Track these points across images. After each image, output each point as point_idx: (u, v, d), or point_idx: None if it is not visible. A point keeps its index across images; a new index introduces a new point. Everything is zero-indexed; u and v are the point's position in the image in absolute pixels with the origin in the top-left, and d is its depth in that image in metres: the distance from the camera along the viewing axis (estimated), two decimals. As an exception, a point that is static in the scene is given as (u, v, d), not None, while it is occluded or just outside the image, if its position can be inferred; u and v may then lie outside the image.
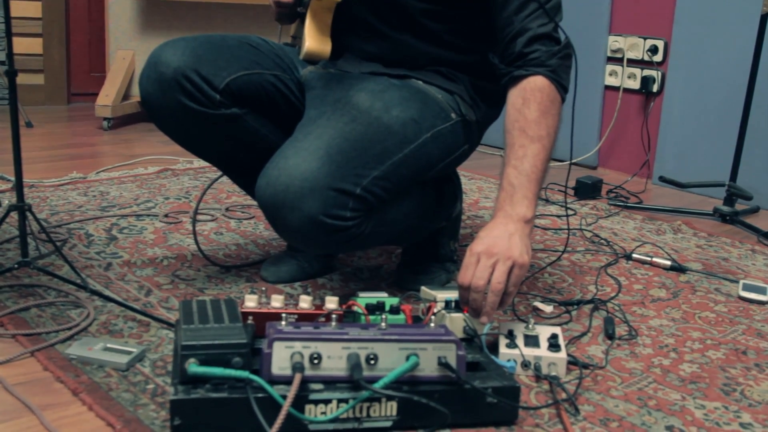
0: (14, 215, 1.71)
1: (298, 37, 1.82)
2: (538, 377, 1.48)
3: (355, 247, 1.73)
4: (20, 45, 4.24)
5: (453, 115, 1.75)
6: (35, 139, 3.54)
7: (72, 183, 2.76)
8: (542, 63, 1.62)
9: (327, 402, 1.22)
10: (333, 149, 1.52)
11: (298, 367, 1.21)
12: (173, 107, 1.70)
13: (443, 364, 1.26)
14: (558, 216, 2.66)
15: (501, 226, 1.51)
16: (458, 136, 1.76)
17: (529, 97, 1.60)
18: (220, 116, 1.73)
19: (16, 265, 1.68)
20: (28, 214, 1.71)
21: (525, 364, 1.48)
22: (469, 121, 1.79)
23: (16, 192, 1.70)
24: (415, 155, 1.64)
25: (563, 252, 2.23)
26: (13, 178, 2.61)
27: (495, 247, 1.48)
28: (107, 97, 3.83)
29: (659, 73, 3.30)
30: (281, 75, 1.80)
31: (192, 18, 4.02)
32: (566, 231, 2.49)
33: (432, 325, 1.36)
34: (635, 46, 3.36)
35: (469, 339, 1.48)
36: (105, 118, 3.82)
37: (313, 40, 1.72)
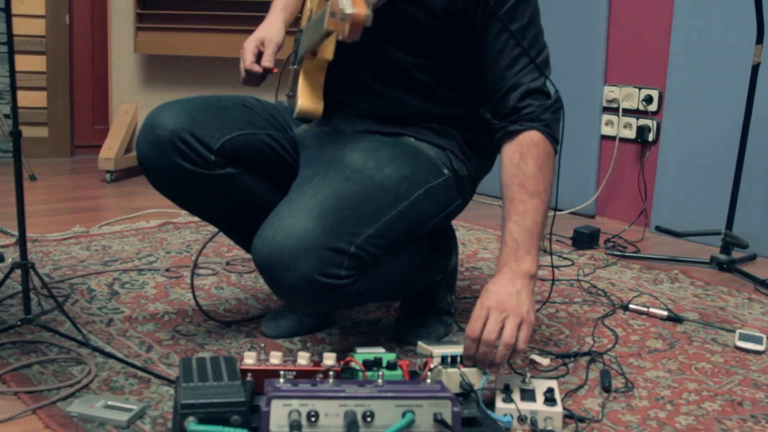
0: (18, 271, 1.73)
1: (292, 95, 1.86)
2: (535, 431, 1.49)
3: (351, 305, 1.76)
4: (25, 98, 4.30)
5: (445, 171, 1.78)
6: (39, 193, 3.58)
7: (75, 237, 2.79)
8: (536, 118, 1.66)
9: (324, 459, 1.24)
10: (327, 208, 1.55)
11: (295, 425, 1.22)
12: (169, 168, 1.74)
13: (439, 420, 1.28)
14: (556, 267, 2.68)
15: (509, 282, 1.56)
16: (451, 191, 1.80)
17: (526, 152, 1.64)
18: (216, 176, 1.76)
19: (18, 322, 1.71)
20: (30, 271, 1.74)
21: (521, 419, 1.49)
22: (461, 176, 1.82)
23: (20, 250, 1.73)
24: (408, 212, 1.67)
25: (545, 303, 2.23)
26: (16, 233, 2.64)
27: (505, 303, 1.52)
28: (110, 149, 3.88)
29: (654, 123, 3.34)
30: (275, 134, 1.84)
31: (194, 72, 4.08)
32: (564, 281, 2.52)
33: (428, 381, 1.38)
34: (630, 96, 3.40)
35: (466, 394, 1.49)
36: (108, 171, 3.86)
37: (306, 99, 1.76)
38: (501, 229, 1.64)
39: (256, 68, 1.80)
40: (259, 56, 1.83)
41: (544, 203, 1.63)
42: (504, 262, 1.60)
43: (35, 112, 4.39)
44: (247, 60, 1.81)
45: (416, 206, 1.69)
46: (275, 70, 1.82)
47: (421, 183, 1.71)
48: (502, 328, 1.50)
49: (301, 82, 1.77)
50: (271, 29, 1.87)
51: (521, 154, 1.65)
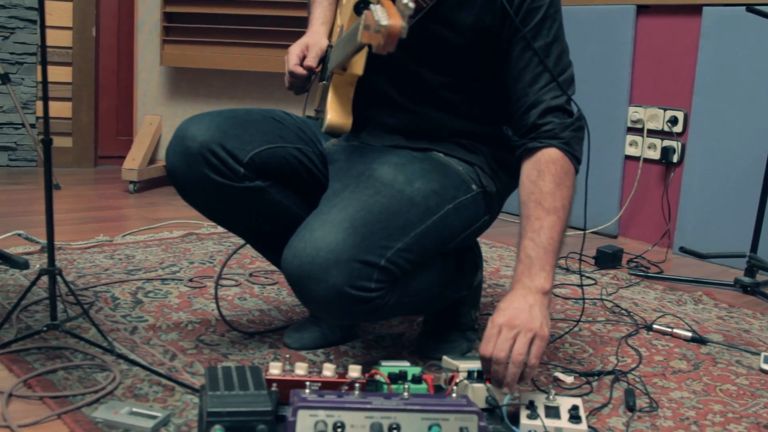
0: (44, 278, 1.74)
1: (321, 111, 1.87)
2: (559, 449, 1.48)
3: (379, 318, 1.76)
4: (51, 108, 4.33)
5: (474, 187, 1.78)
6: (63, 202, 3.60)
7: (98, 246, 2.80)
8: (556, 135, 1.66)
9: (350, 471, 1.23)
10: (358, 221, 1.55)
11: (321, 436, 1.22)
12: (199, 180, 1.75)
13: (465, 434, 1.27)
14: (578, 285, 2.67)
15: (521, 298, 1.54)
16: (479, 207, 1.80)
17: (543, 169, 1.64)
18: (245, 189, 1.77)
19: (44, 328, 1.71)
20: (57, 277, 1.75)
21: (546, 436, 1.49)
22: (489, 192, 1.82)
23: (48, 256, 1.73)
24: (437, 226, 1.67)
25: (578, 322, 2.23)
26: (41, 241, 2.66)
27: (516, 319, 1.50)
28: (134, 160, 3.91)
29: (679, 144, 3.33)
30: (304, 148, 1.85)
31: (218, 85, 4.10)
32: (588, 300, 2.51)
33: (454, 395, 1.37)
34: (655, 117, 3.40)
35: (491, 409, 1.48)
36: (131, 182, 3.89)
37: (335, 114, 1.76)
38: (517, 246, 1.64)
39: (299, 69, 1.81)
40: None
41: (561, 220, 1.62)
42: (518, 278, 1.59)
43: (60, 122, 4.42)
44: (291, 62, 1.82)
45: (445, 221, 1.69)
46: (317, 69, 1.83)
47: (451, 198, 1.71)
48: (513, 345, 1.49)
49: (331, 97, 1.78)
50: (316, 36, 1.88)
51: (539, 171, 1.65)
